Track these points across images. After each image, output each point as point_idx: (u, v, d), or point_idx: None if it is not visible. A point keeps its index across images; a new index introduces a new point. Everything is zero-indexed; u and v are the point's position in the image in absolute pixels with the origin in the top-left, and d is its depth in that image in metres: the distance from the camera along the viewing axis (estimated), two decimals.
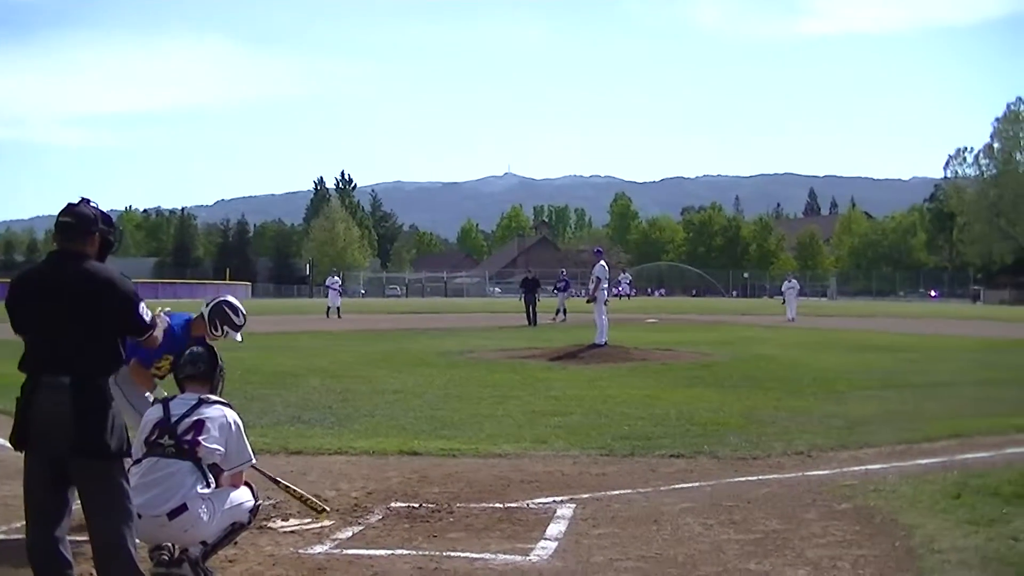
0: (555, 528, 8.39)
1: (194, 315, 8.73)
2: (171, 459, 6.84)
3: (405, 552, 7.70)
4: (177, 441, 6.89)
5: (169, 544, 6.93)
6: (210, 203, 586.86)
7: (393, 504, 9.30)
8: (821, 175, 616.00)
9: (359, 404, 16.29)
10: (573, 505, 9.18)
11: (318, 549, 7.80)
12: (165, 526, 6.71)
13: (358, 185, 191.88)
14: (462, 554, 7.62)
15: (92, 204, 6.29)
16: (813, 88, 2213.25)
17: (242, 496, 7.19)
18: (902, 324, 45.09)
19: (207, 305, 8.73)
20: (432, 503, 9.29)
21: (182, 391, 7.45)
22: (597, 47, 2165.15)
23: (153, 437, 6.91)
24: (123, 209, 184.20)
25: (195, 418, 7.00)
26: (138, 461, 6.86)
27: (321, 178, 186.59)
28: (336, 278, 61.20)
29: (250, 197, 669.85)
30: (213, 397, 7.29)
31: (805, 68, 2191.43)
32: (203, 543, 6.87)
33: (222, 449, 6.99)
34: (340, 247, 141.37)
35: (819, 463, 11.20)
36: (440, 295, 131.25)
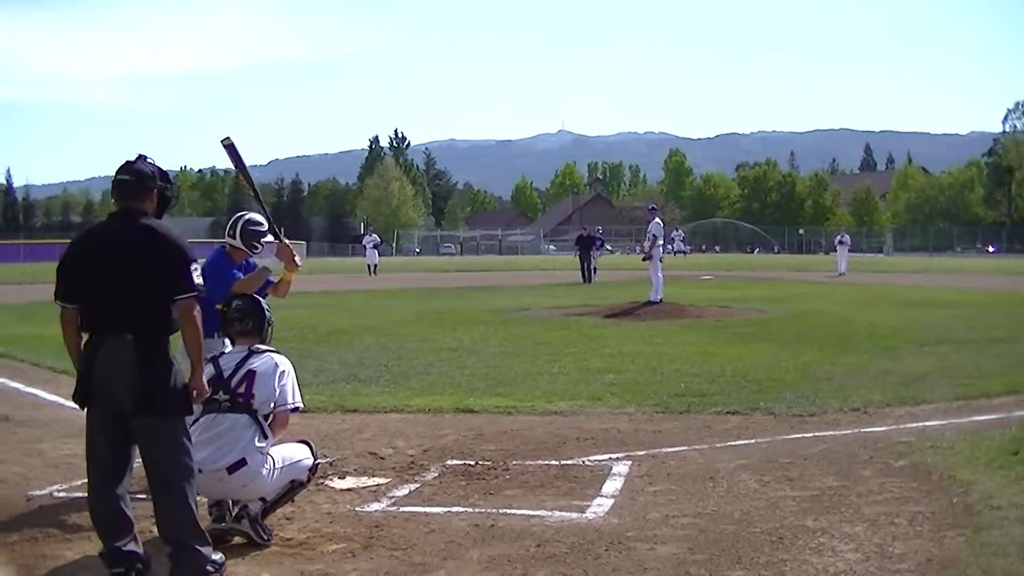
0: (611, 485, 8.41)
1: (225, 246, 8.77)
2: (228, 413, 6.91)
3: (461, 509, 7.74)
4: (232, 395, 6.96)
5: (228, 501, 7.00)
6: (264, 163, 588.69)
7: (449, 462, 9.35)
8: (877, 130, 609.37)
9: (414, 362, 16.36)
10: (629, 462, 9.19)
11: (375, 507, 7.86)
12: (225, 480, 6.77)
13: (412, 143, 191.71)
14: (518, 511, 7.65)
15: (149, 160, 6.35)
16: (869, 42, 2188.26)
17: (300, 453, 7.24)
18: (959, 279, 44.53)
19: (234, 235, 8.75)
20: (488, 460, 9.33)
21: (232, 344, 7.52)
22: (652, 2, 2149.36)
23: (208, 394, 6.96)
24: (178, 169, 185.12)
25: (246, 369, 7.05)
26: (196, 420, 6.92)
27: (375, 137, 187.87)
28: (373, 236, 61.13)
29: (304, 156, 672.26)
30: (263, 347, 7.31)
31: (861, 22, 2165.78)
32: (262, 500, 6.93)
33: (276, 396, 7.05)
34: (394, 206, 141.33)
35: (875, 419, 11.13)
36: (494, 253, 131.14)
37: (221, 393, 6.95)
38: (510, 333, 21.14)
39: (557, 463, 9.24)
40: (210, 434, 6.83)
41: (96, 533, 6.20)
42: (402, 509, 7.81)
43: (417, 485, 8.57)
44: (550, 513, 7.60)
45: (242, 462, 6.76)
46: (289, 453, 7.15)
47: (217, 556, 6.18)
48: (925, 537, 6.81)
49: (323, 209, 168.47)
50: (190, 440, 6.22)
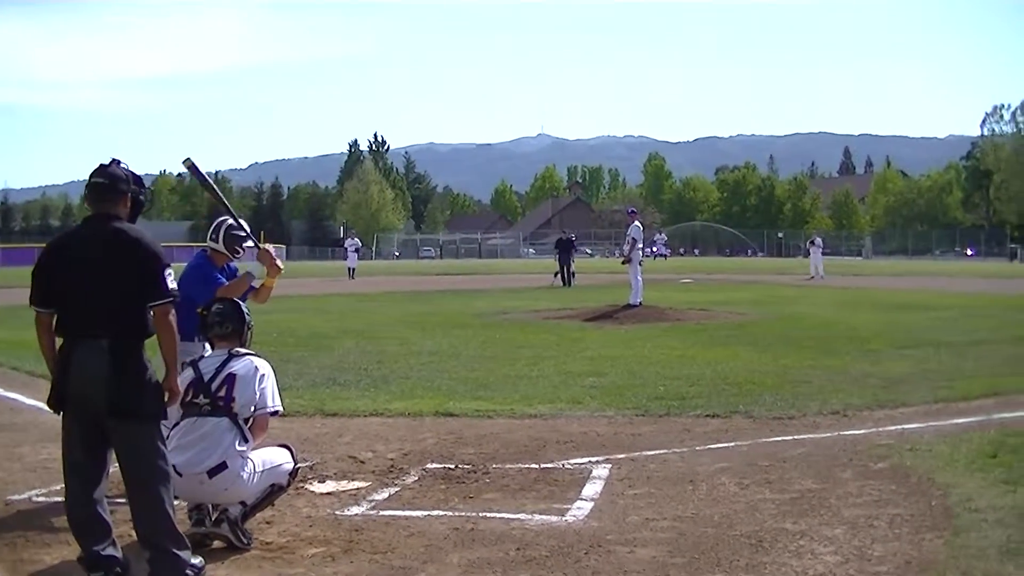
0: (591, 488, 8.41)
1: (207, 250, 8.75)
2: (208, 417, 6.88)
3: (441, 513, 7.73)
4: (212, 399, 6.93)
5: (208, 505, 6.98)
6: (244, 166, 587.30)
7: (429, 465, 9.34)
8: (856, 134, 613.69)
9: (394, 366, 16.34)
10: (609, 465, 9.19)
11: (355, 510, 7.85)
12: (205, 484, 6.76)
13: (391, 147, 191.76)
14: (498, 515, 7.65)
15: (122, 165, 6.36)
16: (848, 46, 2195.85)
17: (281, 458, 7.23)
18: (938, 283, 44.72)
19: (216, 239, 8.74)
20: (468, 464, 9.33)
21: (212, 348, 7.50)
22: (630, 5, 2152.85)
23: (188, 398, 6.92)
24: (157, 173, 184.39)
25: (226, 373, 7.03)
26: (176, 424, 6.91)
27: (355, 140, 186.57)
28: (355, 239, 61.59)
29: (284, 160, 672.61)
30: (242, 350, 7.30)
31: (839, 25, 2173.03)
32: (242, 504, 6.91)
33: (256, 399, 7.03)
34: (374, 209, 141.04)
35: (855, 422, 11.15)
36: (474, 256, 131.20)
37: (201, 397, 6.93)
38: (490, 337, 21.13)
39: (537, 466, 9.23)
40: (190, 438, 6.81)
41: (74, 537, 6.17)
42: (382, 513, 7.79)
43: (397, 489, 8.55)
44: (530, 516, 7.60)
45: (223, 466, 6.74)
46: (269, 457, 7.14)
47: (196, 560, 6.17)
48: (904, 539, 6.82)
49: (303, 213, 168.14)
50: (164, 444, 6.19)
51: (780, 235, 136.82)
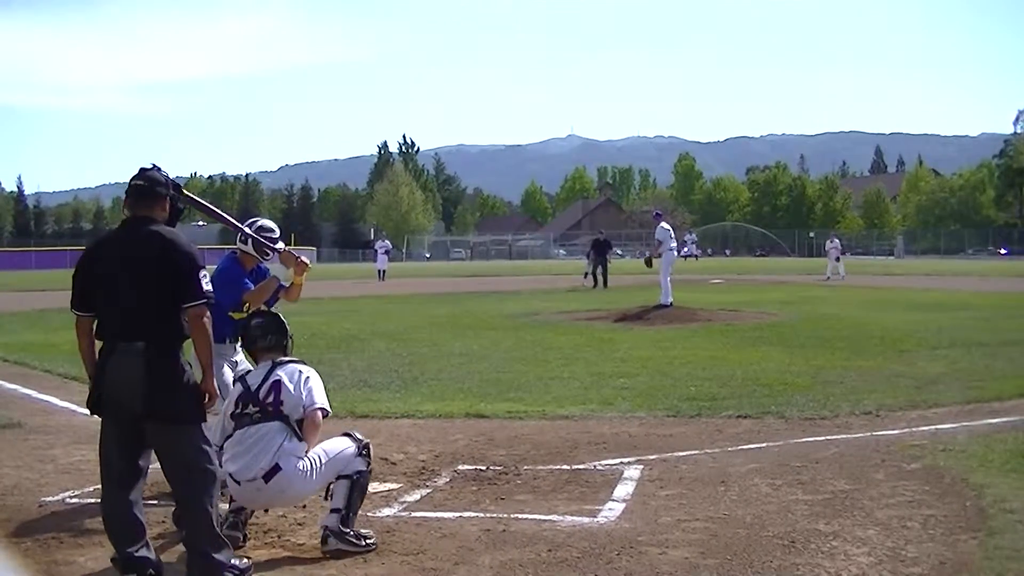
0: (622, 489, 8.40)
1: (236, 253, 8.77)
2: (259, 424, 6.89)
3: (473, 514, 7.74)
4: (261, 406, 6.94)
5: (247, 510, 6.99)
6: (274, 169, 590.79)
7: (460, 467, 9.35)
8: (887, 132, 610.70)
9: (425, 367, 16.37)
10: (640, 466, 9.18)
11: (386, 512, 7.86)
12: (263, 490, 6.77)
13: (421, 149, 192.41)
14: (530, 516, 7.65)
15: (162, 171, 6.41)
16: (878, 44, 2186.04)
17: (340, 445, 7.13)
18: (970, 282, 44.39)
19: (245, 241, 8.78)
20: (499, 465, 9.33)
21: (256, 363, 7.51)
22: (661, 5, 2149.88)
23: (238, 410, 6.97)
24: (188, 176, 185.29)
25: (272, 379, 7.05)
26: (229, 436, 6.96)
27: (384, 142, 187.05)
28: (385, 241, 61.87)
29: (314, 162, 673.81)
30: (286, 358, 7.31)
31: (871, 24, 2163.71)
32: (335, 511, 6.88)
33: (304, 399, 7.01)
34: (404, 211, 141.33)
35: (887, 423, 11.09)
36: (505, 258, 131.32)
37: (251, 407, 6.95)
38: (520, 338, 21.15)
39: (568, 468, 9.23)
40: (243, 446, 6.83)
41: (108, 538, 6.21)
42: (413, 514, 7.81)
43: (428, 490, 8.57)
44: (562, 518, 7.59)
45: (276, 468, 6.73)
46: (328, 447, 7.07)
47: (238, 561, 6.18)
48: (938, 541, 6.78)
49: (333, 215, 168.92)
50: (208, 445, 6.21)
51: (811, 235, 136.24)
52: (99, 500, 6.36)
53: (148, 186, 6.25)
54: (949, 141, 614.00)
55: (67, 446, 10.53)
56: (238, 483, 6.70)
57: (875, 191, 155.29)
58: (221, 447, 6.94)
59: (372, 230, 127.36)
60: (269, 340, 7.43)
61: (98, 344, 6.19)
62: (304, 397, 7.02)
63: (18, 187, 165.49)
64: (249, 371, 7.42)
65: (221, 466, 6.73)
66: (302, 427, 6.97)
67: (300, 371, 7.16)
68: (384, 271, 57.37)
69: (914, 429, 10.65)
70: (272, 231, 8.82)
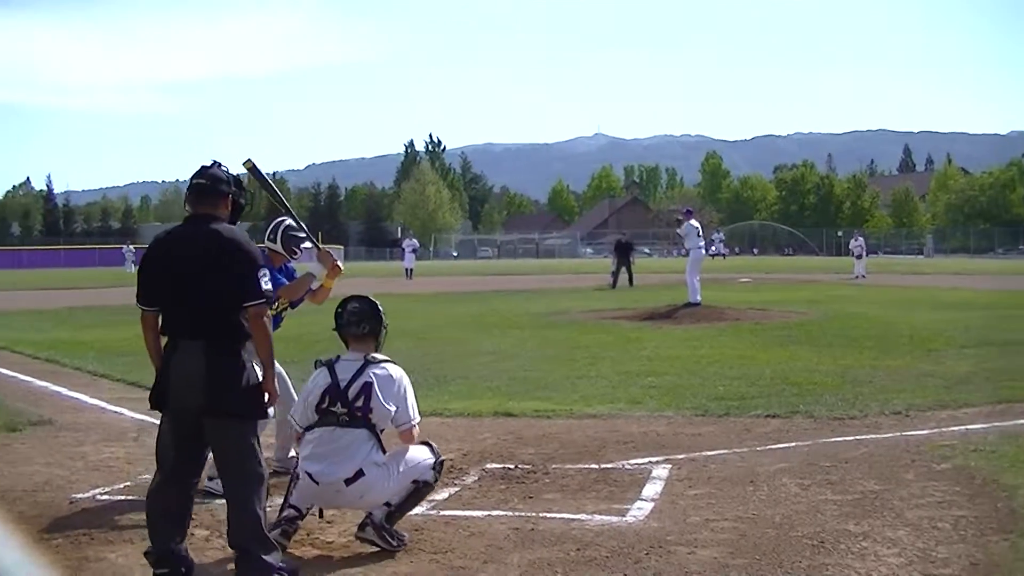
0: (651, 489, 8.39)
1: (266, 251, 8.74)
2: (346, 428, 6.85)
3: (501, 513, 7.75)
4: (350, 408, 6.87)
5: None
6: (301, 167, 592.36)
7: (488, 465, 9.36)
8: (916, 131, 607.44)
9: (453, 366, 16.38)
10: (668, 466, 9.16)
11: (415, 510, 7.86)
12: (342, 492, 6.79)
13: (448, 147, 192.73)
14: (558, 515, 7.65)
15: (223, 168, 6.44)
16: (907, 42, 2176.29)
17: (421, 455, 7.14)
18: (1000, 281, 44.12)
19: (275, 239, 8.87)
20: (527, 464, 9.33)
21: (347, 347, 7.35)
22: (689, 3, 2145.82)
23: (324, 404, 6.91)
24: None
25: (364, 381, 6.93)
26: (310, 428, 6.95)
27: (411, 141, 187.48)
28: (413, 240, 62.07)
29: (341, 161, 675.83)
30: (379, 356, 7.16)
31: (899, 22, 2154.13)
32: (387, 504, 6.90)
33: (393, 411, 6.93)
34: (431, 209, 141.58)
35: (917, 423, 11.03)
36: (531, 256, 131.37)
37: (339, 405, 6.89)
38: (548, 337, 21.14)
39: (597, 467, 9.22)
40: (327, 448, 6.82)
41: (148, 530, 6.24)
42: (442, 513, 7.82)
43: (457, 489, 8.58)
44: (590, 517, 7.60)
45: (359, 474, 6.75)
46: (409, 455, 7.08)
47: (286, 563, 6.20)
48: (969, 542, 6.75)
49: (360, 214, 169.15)
50: (259, 444, 6.24)
51: (839, 234, 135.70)
52: (129, 497, 6.39)
53: (210, 184, 6.30)
54: (978, 139, 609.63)
55: (97, 443, 10.58)
56: (316, 483, 6.70)
57: (904, 190, 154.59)
58: (303, 433, 6.99)
59: (399, 229, 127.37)
60: (363, 328, 7.26)
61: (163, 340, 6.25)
62: (395, 411, 6.94)
63: (47, 186, 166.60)
64: (339, 358, 7.20)
65: (299, 462, 6.84)
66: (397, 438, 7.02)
67: (393, 378, 7.02)
68: (411, 269, 57.63)
69: (944, 429, 10.59)
70: (297, 232, 8.87)
